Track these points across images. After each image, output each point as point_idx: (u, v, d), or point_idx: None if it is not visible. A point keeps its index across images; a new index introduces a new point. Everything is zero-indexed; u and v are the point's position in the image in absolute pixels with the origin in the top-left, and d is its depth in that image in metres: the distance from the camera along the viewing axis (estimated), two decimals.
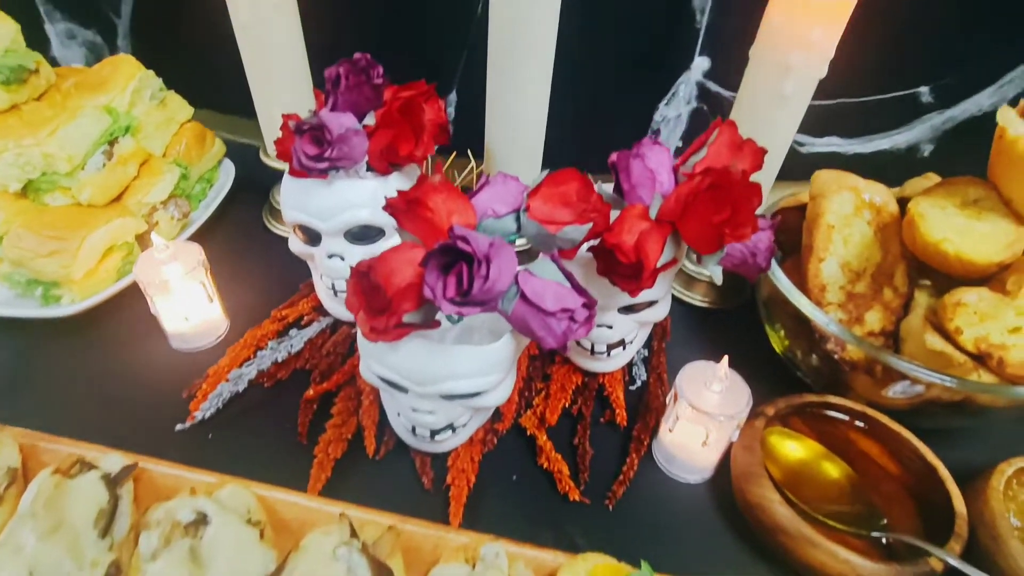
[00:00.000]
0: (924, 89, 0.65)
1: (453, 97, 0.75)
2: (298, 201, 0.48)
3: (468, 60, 0.71)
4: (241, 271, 0.63)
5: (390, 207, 0.36)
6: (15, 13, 0.56)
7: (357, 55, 0.47)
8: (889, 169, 0.72)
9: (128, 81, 0.59)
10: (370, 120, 0.48)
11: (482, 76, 0.55)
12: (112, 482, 0.38)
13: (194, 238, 0.64)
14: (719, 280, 0.42)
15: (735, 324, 0.62)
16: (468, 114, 0.74)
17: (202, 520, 0.35)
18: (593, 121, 0.72)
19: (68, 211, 0.53)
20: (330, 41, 0.58)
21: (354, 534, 0.35)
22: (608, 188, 0.45)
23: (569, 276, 0.36)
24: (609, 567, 0.35)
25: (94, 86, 0.59)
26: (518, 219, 0.39)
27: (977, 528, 0.42)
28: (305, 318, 0.57)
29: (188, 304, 0.52)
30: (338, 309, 0.55)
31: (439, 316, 0.36)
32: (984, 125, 0.61)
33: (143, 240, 0.58)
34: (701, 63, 0.69)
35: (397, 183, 0.49)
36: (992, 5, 0.59)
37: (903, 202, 0.51)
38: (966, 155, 0.66)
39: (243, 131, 0.78)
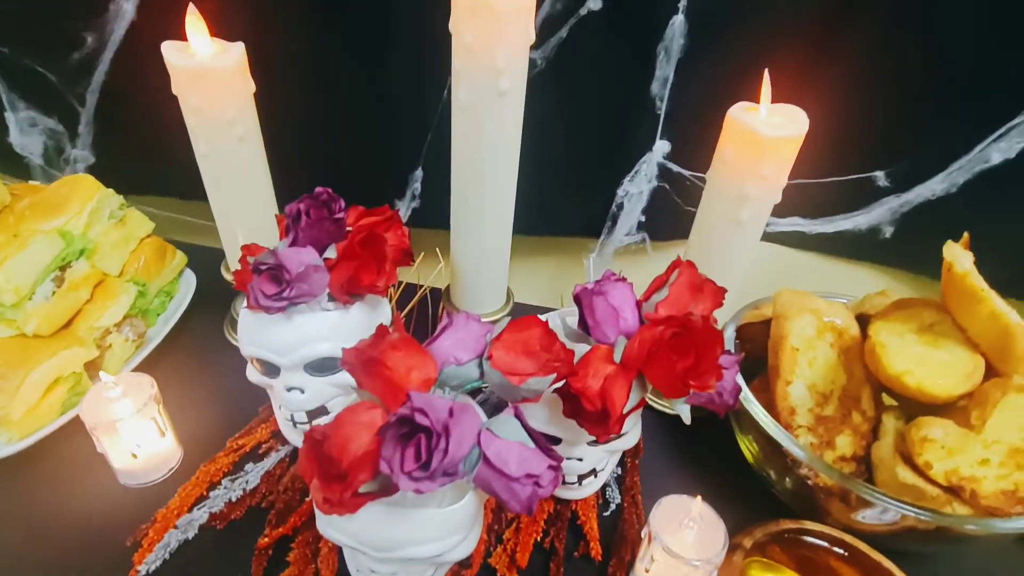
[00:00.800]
0: (879, 173, 0.68)
1: (419, 173, 0.75)
2: (256, 336, 0.47)
3: (433, 138, 0.72)
4: (198, 389, 0.60)
5: (346, 364, 0.35)
6: None
7: (319, 189, 0.47)
8: (851, 248, 0.76)
9: (86, 202, 0.58)
10: (332, 252, 0.47)
11: (447, 152, 0.55)
12: None
13: (151, 357, 0.61)
14: (687, 419, 0.41)
15: (709, 432, 0.60)
16: (435, 189, 0.75)
17: None
18: (562, 191, 0.75)
19: (10, 344, 0.51)
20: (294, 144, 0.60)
21: None
22: (573, 321, 0.45)
23: (534, 435, 0.35)
24: None
25: (50, 208, 0.57)
26: (481, 366, 0.38)
27: None
28: (263, 446, 0.55)
29: (138, 439, 0.50)
30: (298, 439, 0.52)
31: (403, 485, 0.34)
32: (938, 209, 0.66)
33: (94, 367, 0.56)
34: (662, 146, 0.72)
35: (359, 314, 0.48)
36: (938, 99, 0.63)
37: (862, 319, 0.52)
38: (923, 237, 0.68)
39: (205, 232, 0.77)
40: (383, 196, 0.71)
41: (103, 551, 0.46)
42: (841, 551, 0.47)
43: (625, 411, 0.38)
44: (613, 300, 0.42)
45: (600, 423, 0.39)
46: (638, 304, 0.43)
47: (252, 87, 0.52)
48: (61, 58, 0.73)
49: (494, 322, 0.39)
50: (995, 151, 0.62)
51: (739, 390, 0.42)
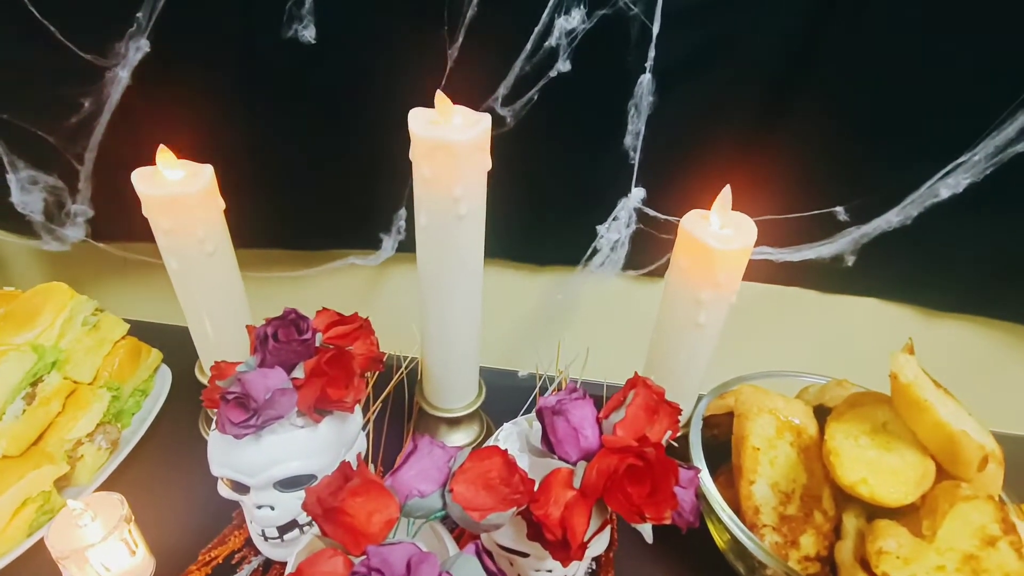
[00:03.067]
0: (839, 208, 0.72)
1: (403, 212, 0.78)
2: (225, 458, 0.47)
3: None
4: (171, 494, 0.60)
5: (308, 510, 0.36)
6: None
7: (287, 309, 0.48)
8: (817, 275, 0.79)
9: (59, 312, 0.59)
10: (299, 372, 0.48)
11: None
12: None
13: (126, 461, 0.61)
14: (649, 538, 0.42)
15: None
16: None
17: None
18: (541, 232, 0.79)
19: None
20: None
21: None
22: (536, 437, 0.46)
23: (493, 568, 0.36)
24: None
25: (22, 319, 0.58)
26: (444, 496, 0.39)
27: None
28: (236, 555, 0.55)
29: (107, 561, 0.49)
30: (270, 551, 0.52)
31: None
32: (896, 240, 0.71)
33: (63, 480, 0.56)
34: (638, 192, 0.75)
35: (328, 429, 0.49)
36: (889, 142, 0.68)
37: (822, 411, 0.53)
38: (884, 266, 0.76)
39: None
40: (371, 231, 0.78)
41: None
42: None
43: (586, 539, 0.39)
44: (573, 419, 0.43)
45: (562, 550, 0.39)
46: (598, 420, 0.44)
47: (222, 205, 0.53)
48: (59, 121, 0.76)
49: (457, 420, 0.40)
50: (943, 187, 0.67)
51: (699, 508, 0.43)
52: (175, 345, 0.71)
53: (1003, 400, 0.83)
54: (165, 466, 0.63)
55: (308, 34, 0.66)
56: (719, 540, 0.55)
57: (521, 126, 0.70)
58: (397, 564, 0.32)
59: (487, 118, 0.46)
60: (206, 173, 0.51)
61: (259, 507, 0.49)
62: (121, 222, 0.79)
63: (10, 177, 0.83)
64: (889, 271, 0.80)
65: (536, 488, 0.41)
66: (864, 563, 0.44)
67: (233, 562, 0.54)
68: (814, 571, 0.48)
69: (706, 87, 0.69)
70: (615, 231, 0.81)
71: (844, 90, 0.66)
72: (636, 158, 0.72)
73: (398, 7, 0.66)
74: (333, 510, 0.35)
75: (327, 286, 0.90)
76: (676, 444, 0.60)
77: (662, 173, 0.76)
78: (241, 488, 0.49)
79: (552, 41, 0.68)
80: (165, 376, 0.70)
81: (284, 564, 0.53)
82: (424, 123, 0.45)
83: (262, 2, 0.67)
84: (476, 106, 0.68)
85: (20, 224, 0.82)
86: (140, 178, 0.50)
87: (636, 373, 0.45)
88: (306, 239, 0.83)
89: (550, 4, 0.65)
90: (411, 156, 0.46)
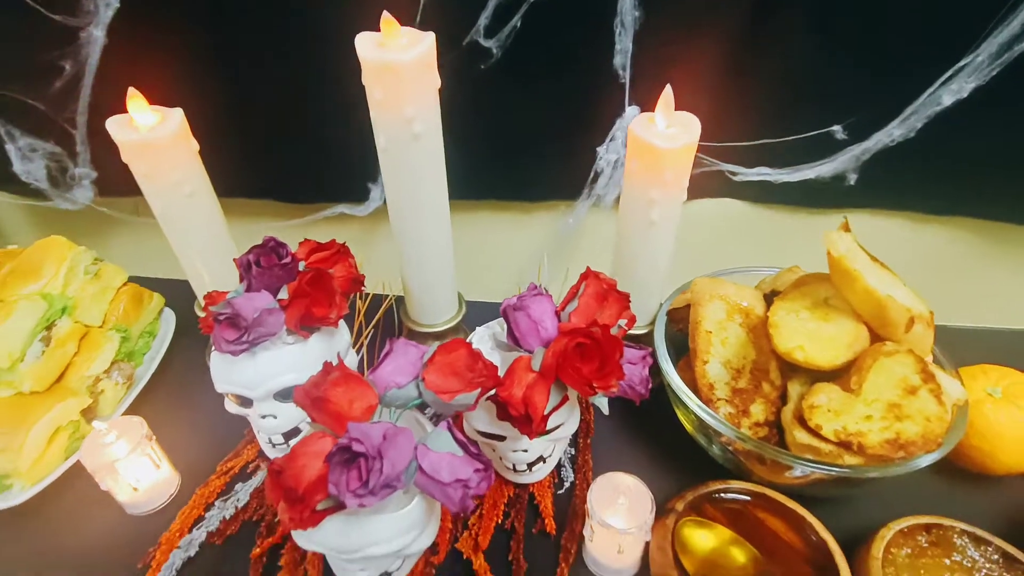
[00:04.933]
0: (837, 127, 0.71)
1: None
2: (226, 375, 0.52)
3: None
4: (188, 418, 0.66)
5: (298, 402, 0.41)
6: None
7: (267, 237, 0.52)
8: (819, 195, 0.79)
9: (60, 263, 0.63)
10: (284, 294, 0.52)
11: None
12: None
13: (142, 394, 0.67)
14: (606, 410, 0.47)
15: (656, 407, 0.66)
16: None
17: None
18: (542, 161, 0.80)
19: (10, 404, 0.57)
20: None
21: None
22: (502, 334, 0.50)
23: (462, 443, 0.41)
24: None
25: (28, 272, 0.63)
26: (418, 386, 0.44)
27: None
28: (251, 465, 0.61)
29: (136, 475, 0.56)
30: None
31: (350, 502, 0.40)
32: (900, 152, 0.71)
33: (90, 412, 0.62)
34: (632, 111, 0.75)
35: (317, 343, 0.54)
36: (883, 51, 0.66)
37: (773, 296, 0.57)
38: (888, 180, 0.75)
39: None
40: (359, 182, 0.80)
41: (128, 559, 0.53)
42: (764, 504, 0.53)
43: (546, 412, 0.44)
44: (533, 314, 0.47)
45: (526, 424, 0.44)
46: (556, 314, 0.48)
47: (195, 147, 0.56)
48: (45, 88, 0.78)
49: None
50: (946, 93, 0.66)
51: (649, 381, 0.48)
52: (179, 294, 0.75)
53: (991, 295, 0.85)
54: (178, 395, 0.69)
55: None
56: (685, 422, 0.60)
57: (508, 56, 0.70)
58: (374, 436, 0.38)
59: (431, 36, 0.48)
60: (176, 116, 0.54)
61: (263, 417, 0.54)
62: (126, 179, 0.82)
63: (9, 147, 0.86)
64: (895, 191, 0.77)
65: (502, 376, 0.46)
66: (801, 420, 0.49)
67: (248, 471, 0.61)
68: (763, 434, 0.53)
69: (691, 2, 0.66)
70: (613, 151, 0.80)
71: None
72: (627, 76, 0.72)
73: None
74: (318, 399, 0.40)
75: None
76: (630, 332, 0.64)
77: (654, 90, 0.75)
78: (245, 402, 0.55)
79: None
80: (170, 319, 0.75)
81: None
82: (371, 46, 0.47)
83: None
84: (459, 41, 0.68)
85: (28, 192, 0.85)
86: (115, 125, 0.53)
87: (588, 268, 0.49)
88: (294, 190, 0.85)
89: None
90: (363, 80, 0.49)
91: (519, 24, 0.67)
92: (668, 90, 0.52)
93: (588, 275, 0.48)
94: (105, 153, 0.83)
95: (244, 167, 0.76)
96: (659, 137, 0.51)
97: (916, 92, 0.67)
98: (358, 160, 0.76)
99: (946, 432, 0.48)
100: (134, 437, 0.55)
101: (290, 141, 0.79)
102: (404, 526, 0.43)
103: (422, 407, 0.45)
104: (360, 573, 0.45)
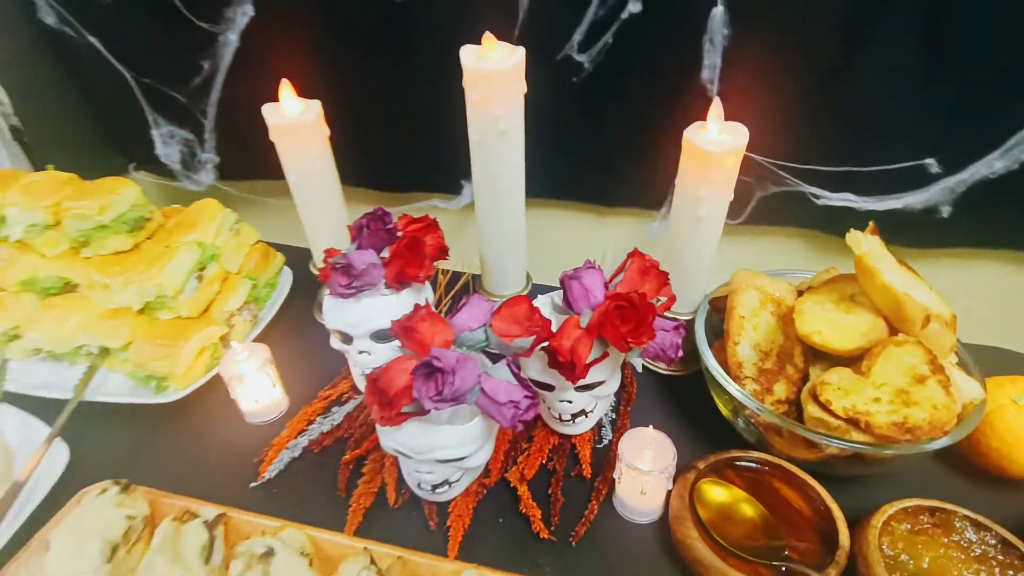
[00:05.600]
0: (931, 160, 0.69)
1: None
2: (335, 315, 0.65)
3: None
4: (297, 357, 0.80)
5: (393, 332, 0.53)
6: (132, 121, 0.85)
7: (376, 207, 0.65)
8: (907, 230, 0.74)
9: (213, 221, 0.79)
10: (386, 253, 0.65)
11: None
12: (210, 526, 0.54)
13: (263, 332, 0.82)
14: (639, 368, 0.56)
15: (693, 389, 0.74)
16: None
17: (270, 552, 0.51)
18: (618, 165, 0.85)
19: (172, 324, 0.73)
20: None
21: (373, 562, 0.50)
22: (559, 299, 0.60)
23: (517, 376, 0.51)
24: None
25: (188, 225, 0.79)
26: (486, 331, 0.54)
27: (856, 557, 0.53)
28: (344, 396, 0.74)
29: (258, 390, 0.70)
30: None
31: (428, 407, 0.51)
32: (1000, 185, 0.67)
33: (225, 339, 0.77)
34: None
35: (408, 297, 0.66)
36: (984, 80, 0.65)
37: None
38: (985, 215, 0.71)
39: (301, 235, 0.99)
40: (454, 178, 0.91)
41: (240, 465, 0.67)
42: (778, 473, 0.60)
43: (588, 361, 0.54)
44: (585, 283, 0.57)
45: (570, 371, 0.54)
46: (605, 284, 0.58)
47: (327, 133, 0.70)
48: (187, 83, 0.96)
49: None
50: None
51: (679, 348, 0.56)
52: (295, 259, 0.91)
53: None
54: (290, 337, 0.83)
55: None
56: (716, 399, 0.67)
57: (599, 70, 0.76)
58: (450, 358, 0.48)
59: (521, 51, 0.59)
60: (315, 107, 0.68)
61: (360, 352, 0.67)
62: (240, 164, 0.99)
63: (154, 133, 1.06)
64: (990, 225, 0.73)
65: (555, 331, 0.56)
66: (815, 396, 0.55)
67: (343, 399, 0.74)
68: (783, 410, 0.60)
69: (782, 18, 0.68)
70: None
71: (935, 23, 0.62)
72: (714, 91, 0.74)
73: None
74: (409, 328, 0.51)
75: None
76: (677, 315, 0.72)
77: (741, 104, 0.72)
78: (347, 339, 0.67)
79: None
80: (287, 276, 0.90)
81: None
82: (473, 57, 0.59)
83: None
84: (553, 55, 0.75)
85: (164, 172, 1.04)
86: (268, 111, 0.67)
87: (635, 249, 0.58)
88: (395, 180, 0.98)
89: None
90: (464, 84, 0.60)
91: (611, 40, 0.74)
92: (717, 101, 0.60)
93: (634, 254, 0.57)
94: (226, 142, 1.01)
95: (355, 156, 0.90)
96: (709, 143, 0.60)
97: (1021, 122, 0.64)
98: (453, 158, 0.85)
99: (954, 422, 0.53)
100: (259, 359, 0.69)
101: (397, 136, 0.92)
102: (466, 438, 0.53)
103: (488, 350, 0.56)
104: (427, 476, 0.56)
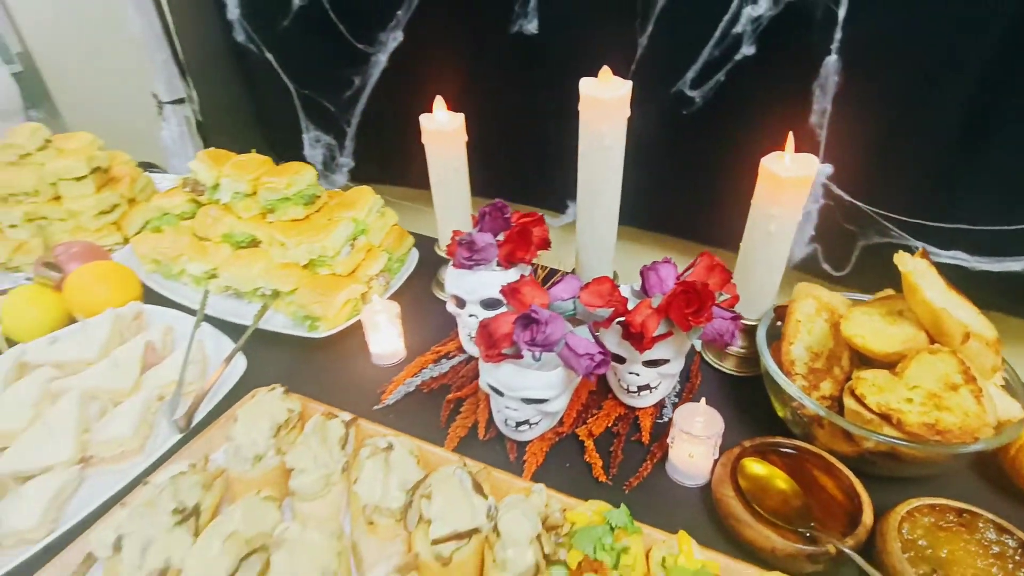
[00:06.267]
0: None
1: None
2: (455, 282, 0.81)
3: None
4: (415, 319, 0.97)
5: (502, 292, 0.67)
6: (288, 124, 1.07)
7: (497, 201, 0.81)
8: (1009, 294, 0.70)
9: (367, 203, 0.99)
10: (501, 237, 0.80)
11: None
12: (346, 424, 0.71)
13: (391, 297, 1.00)
14: (699, 347, 0.67)
15: (750, 388, 0.82)
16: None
17: (390, 447, 0.67)
18: (721, 203, 0.87)
19: (328, 278, 0.93)
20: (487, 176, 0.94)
21: (464, 466, 0.64)
22: (637, 287, 0.72)
23: (595, 337, 0.64)
24: (603, 507, 0.60)
25: (348, 204, 0.99)
26: (574, 302, 0.68)
27: (876, 536, 0.60)
28: (452, 352, 0.90)
29: (386, 338, 0.88)
30: (473, 349, 0.86)
31: (523, 352, 0.65)
32: None
33: (365, 297, 0.96)
34: (824, 168, 0.81)
35: (514, 274, 0.81)
36: None
37: None
38: None
39: (426, 225, 1.17)
40: (561, 197, 1.05)
41: (366, 392, 0.84)
42: (816, 460, 0.68)
43: (654, 335, 0.65)
44: (661, 273, 0.69)
45: (639, 341, 0.66)
46: (678, 277, 0.69)
47: (465, 139, 0.87)
48: (338, 95, 1.18)
49: None
50: None
51: (734, 334, 0.66)
52: (420, 244, 1.10)
53: None
54: (411, 303, 1.01)
55: (531, 27, 0.95)
56: (774, 401, 0.76)
57: (709, 106, 0.83)
58: (545, 314, 0.62)
59: (629, 84, 0.73)
60: (459, 119, 0.85)
61: (470, 315, 0.83)
62: (372, 170, 1.19)
63: (304, 136, 1.29)
64: None
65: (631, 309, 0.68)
66: (852, 391, 0.63)
67: (449, 356, 0.89)
68: (827, 405, 0.68)
69: (897, 71, 0.71)
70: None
71: None
72: (822, 135, 0.79)
73: (600, 4, 0.88)
74: (514, 290, 0.66)
75: None
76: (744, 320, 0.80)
77: (848, 152, 0.76)
78: (460, 303, 0.83)
79: (738, 28, 0.79)
80: (414, 255, 1.09)
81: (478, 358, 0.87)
82: (589, 87, 0.73)
83: (492, 2, 0.96)
84: (666, 89, 0.83)
85: None
86: (425, 119, 0.85)
87: (706, 252, 0.69)
88: (509, 191, 1.09)
89: None
90: (579, 107, 0.75)
91: (723, 78, 0.82)
92: (791, 137, 0.70)
93: (704, 254, 0.68)
94: (363, 149, 1.20)
95: (480, 166, 1.06)
96: (782, 169, 0.70)
97: None
98: (564, 180, 0.98)
99: (987, 432, 0.59)
100: (391, 312, 0.87)
101: (518, 153, 1.07)
102: (550, 383, 0.67)
103: (575, 317, 0.69)
104: (513, 413, 0.70)
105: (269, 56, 1.28)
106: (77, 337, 0.83)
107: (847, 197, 0.81)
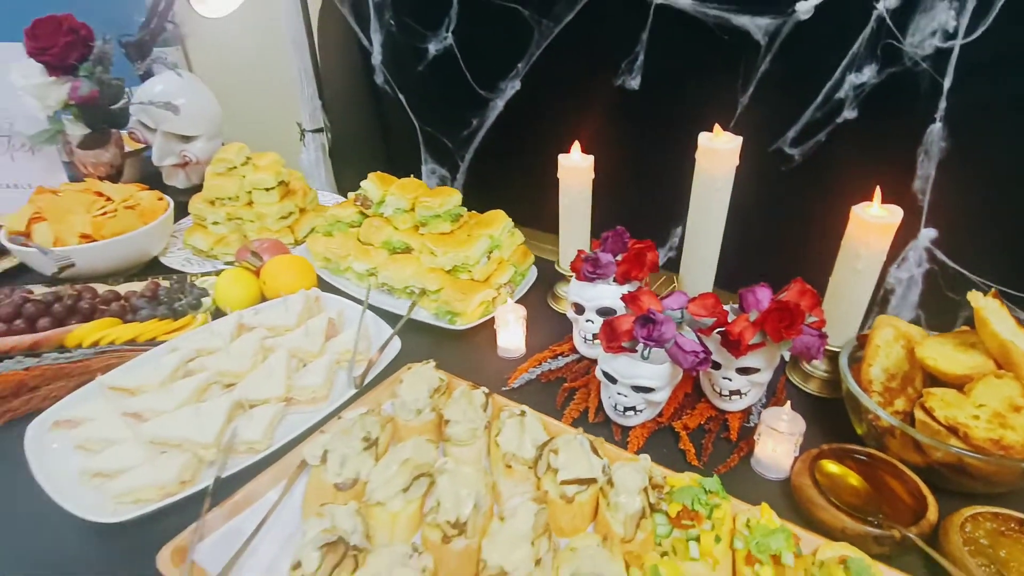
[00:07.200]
0: None
1: (679, 230, 1.19)
2: (578, 292, 0.98)
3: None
4: (534, 325, 1.15)
5: (624, 298, 0.84)
6: (410, 156, 1.31)
7: (619, 227, 0.98)
8: None
9: (501, 224, 1.19)
10: (619, 257, 0.97)
11: None
12: (486, 395, 0.89)
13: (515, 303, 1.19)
14: (787, 357, 0.79)
15: (831, 409, 0.93)
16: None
17: (523, 413, 0.83)
18: (818, 263, 0.90)
19: (467, 282, 1.12)
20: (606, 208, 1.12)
21: (583, 433, 0.80)
22: (736, 307, 0.86)
23: (700, 340, 0.79)
24: (698, 477, 0.74)
25: (486, 223, 1.20)
26: (682, 311, 0.83)
27: (939, 530, 0.70)
28: (565, 353, 1.06)
29: (512, 335, 1.05)
30: (586, 350, 1.03)
31: (638, 347, 0.81)
32: None
33: (494, 301, 1.15)
34: (928, 232, 0.87)
35: (628, 288, 0.97)
36: None
37: None
38: None
39: (545, 250, 1.35)
40: (665, 235, 1.19)
41: (493, 377, 1.01)
42: (886, 466, 0.78)
43: (750, 343, 0.79)
44: (758, 295, 0.83)
45: (735, 348, 0.80)
46: (772, 299, 0.83)
47: (592, 175, 1.05)
48: (457, 133, 1.39)
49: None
50: None
51: (820, 348, 0.78)
52: (539, 262, 1.28)
53: None
54: (530, 311, 1.18)
55: (634, 83, 1.13)
56: (848, 408, 0.86)
57: (808, 163, 0.93)
58: (660, 316, 0.78)
59: (739, 140, 0.89)
60: (589, 159, 1.04)
61: (587, 321, 0.99)
62: (478, 202, 1.37)
63: (423, 168, 1.52)
64: None
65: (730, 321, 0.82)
66: (923, 405, 0.74)
67: (564, 355, 1.06)
68: (900, 419, 0.78)
69: (1003, 140, 0.77)
70: (905, 270, 0.92)
71: None
72: (925, 200, 0.85)
73: (704, 63, 1.02)
74: (635, 296, 0.82)
75: None
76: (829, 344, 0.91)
77: (953, 215, 0.81)
78: (579, 310, 1.00)
79: (841, 93, 0.88)
80: (534, 271, 1.27)
81: (591, 360, 1.03)
82: (706, 139, 0.90)
83: (601, 58, 1.12)
84: (765, 145, 0.95)
85: None
86: (563, 158, 1.04)
87: (799, 279, 0.82)
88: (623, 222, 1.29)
89: (844, 63, 0.86)
90: (696, 156, 0.91)
91: (824, 138, 0.92)
92: (878, 190, 0.83)
93: (797, 280, 0.82)
94: (471, 183, 1.39)
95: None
96: (869, 216, 0.83)
97: None
98: (668, 214, 1.15)
99: None
100: (518, 314, 1.05)
101: (634, 189, 1.24)
102: (657, 374, 0.82)
103: (681, 324, 0.84)
104: (622, 399, 0.85)
105: (401, 96, 1.51)
106: (278, 309, 1.07)
107: (951, 263, 0.86)
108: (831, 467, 0.79)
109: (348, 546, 0.65)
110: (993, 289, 0.76)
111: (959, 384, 0.74)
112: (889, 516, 0.72)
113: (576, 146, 1.04)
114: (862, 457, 0.80)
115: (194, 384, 0.89)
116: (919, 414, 0.74)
